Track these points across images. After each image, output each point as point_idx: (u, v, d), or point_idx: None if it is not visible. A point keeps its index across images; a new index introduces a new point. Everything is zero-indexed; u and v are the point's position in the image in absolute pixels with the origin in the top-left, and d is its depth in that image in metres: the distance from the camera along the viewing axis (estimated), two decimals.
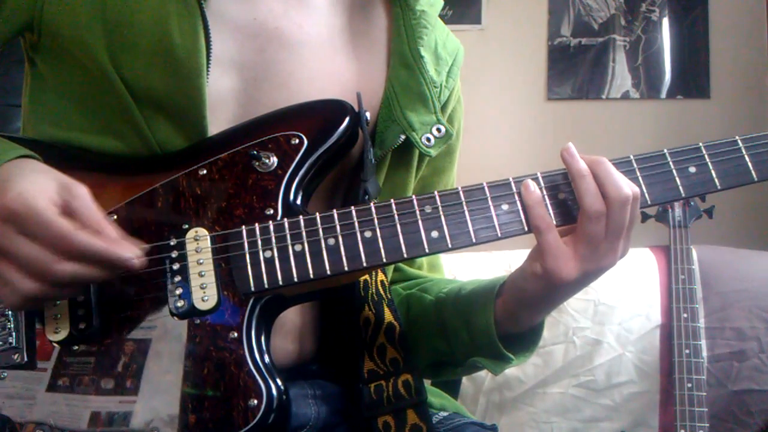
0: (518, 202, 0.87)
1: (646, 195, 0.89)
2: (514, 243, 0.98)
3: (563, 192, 0.88)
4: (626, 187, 0.85)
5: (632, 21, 3.21)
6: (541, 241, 0.86)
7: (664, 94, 3.18)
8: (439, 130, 1.02)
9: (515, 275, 0.93)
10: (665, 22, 3.20)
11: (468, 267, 2.10)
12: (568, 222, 0.87)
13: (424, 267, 1.19)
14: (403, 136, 1.00)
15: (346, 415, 1.02)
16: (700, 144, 0.90)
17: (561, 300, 0.92)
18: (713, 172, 0.88)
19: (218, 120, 0.94)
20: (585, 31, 3.24)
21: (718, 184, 0.89)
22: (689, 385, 1.91)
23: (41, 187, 0.78)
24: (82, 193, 0.79)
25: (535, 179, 0.88)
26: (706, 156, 0.89)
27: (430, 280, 1.15)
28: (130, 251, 0.78)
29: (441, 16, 1.13)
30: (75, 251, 0.76)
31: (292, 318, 0.99)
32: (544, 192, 0.87)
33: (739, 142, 0.89)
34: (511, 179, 0.89)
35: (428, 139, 1.02)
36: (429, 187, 1.11)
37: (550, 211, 0.87)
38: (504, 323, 0.95)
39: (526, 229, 0.87)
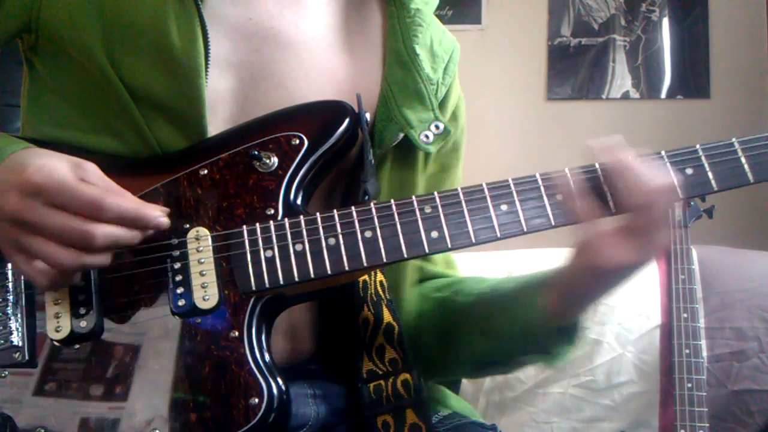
0: (517, 203, 0.88)
1: None
2: (514, 243, 0.98)
3: (599, 185, 0.88)
4: (664, 175, 0.86)
5: (632, 21, 3.21)
6: (587, 232, 0.87)
7: (664, 94, 3.18)
8: (437, 126, 1.02)
9: (563, 270, 0.93)
10: (665, 22, 3.20)
11: (468, 267, 2.10)
12: (598, 216, 0.87)
13: (440, 265, 1.19)
14: (401, 134, 1.00)
15: (346, 415, 1.02)
16: (697, 146, 0.90)
17: (611, 289, 0.92)
18: (710, 174, 0.89)
19: (217, 120, 0.95)
20: (585, 31, 3.24)
21: (714, 185, 0.89)
22: (689, 385, 1.91)
23: (56, 162, 0.80)
24: (93, 168, 0.81)
25: (564, 175, 0.88)
26: (702, 158, 0.89)
27: (459, 280, 1.14)
28: (158, 209, 0.82)
29: (441, 16, 1.13)
30: (108, 213, 0.77)
31: (291, 317, 1.00)
32: (580, 185, 0.88)
33: (736, 144, 0.89)
34: (510, 180, 0.89)
35: (426, 137, 1.02)
36: (438, 184, 1.11)
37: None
38: (551, 318, 0.94)
39: (524, 229, 0.87)
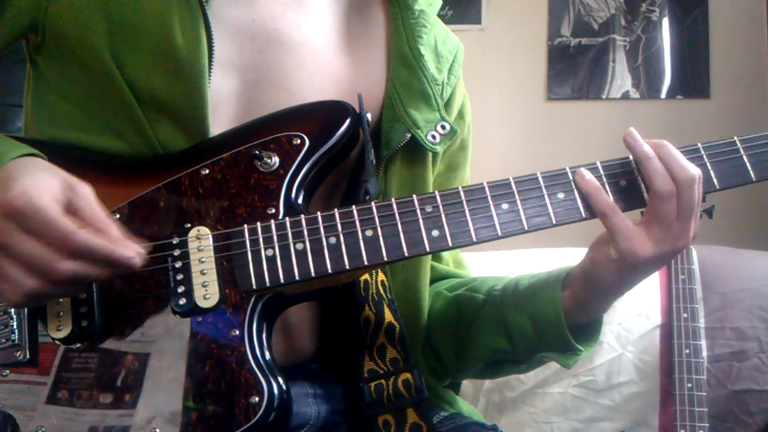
0: (518, 201, 0.88)
1: (646, 195, 0.89)
2: (514, 243, 0.98)
3: (621, 179, 0.89)
4: (691, 167, 0.87)
5: (632, 21, 3.21)
6: (610, 225, 0.87)
7: (664, 94, 3.18)
8: (443, 127, 1.03)
9: (585, 265, 0.94)
10: (665, 22, 3.20)
11: (469, 267, 2.10)
12: (627, 209, 0.88)
13: (450, 264, 1.19)
14: (408, 135, 1.01)
15: (347, 415, 1.03)
16: (699, 144, 0.91)
17: (635, 282, 0.93)
18: (712, 172, 0.89)
19: (219, 120, 0.95)
20: (585, 31, 3.24)
21: (716, 183, 0.89)
22: (689, 385, 1.91)
23: (45, 184, 0.79)
24: (85, 192, 0.80)
25: (593, 168, 0.90)
26: (704, 156, 0.90)
27: (474, 279, 1.14)
28: (132, 250, 0.79)
29: (441, 16, 1.13)
30: (76, 250, 0.76)
31: (292, 317, 1.00)
32: (604, 180, 0.89)
33: (738, 142, 0.90)
34: (511, 179, 0.89)
35: (433, 137, 1.02)
36: (446, 184, 1.11)
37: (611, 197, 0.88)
38: (572, 314, 0.95)
39: (525, 228, 0.88)
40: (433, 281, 1.14)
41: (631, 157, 0.90)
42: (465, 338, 1.04)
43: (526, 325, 0.98)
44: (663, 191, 0.86)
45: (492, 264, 2.16)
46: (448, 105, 1.09)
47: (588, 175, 0.89)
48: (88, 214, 0.79)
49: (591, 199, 0.88)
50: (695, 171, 0.86)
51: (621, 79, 3.20)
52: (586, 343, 0.98)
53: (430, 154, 1.06)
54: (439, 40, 1.09)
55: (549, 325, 0.96)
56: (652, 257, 0.87)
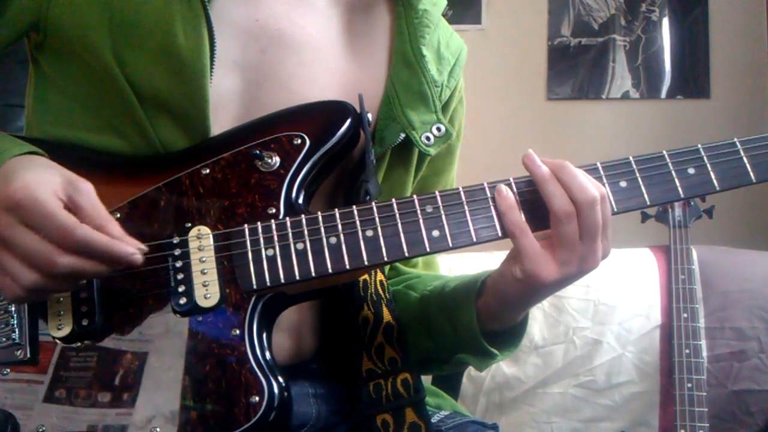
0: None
1: (645, 196, 0.89)
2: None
3: (536, 196, 0.88)
4: (592, 187, 0.85)
5: (632, 21, 3.22)
6: (517, 246, 0.86)
7: (664, 94, 3.19)
8: (439, 129, 1.03)
9: (495, 278, 0.94)
10: (665, 22, 3.20)
11: (468, 267, 2.10)
12: (543, 227, 0.87)
13: (419, 264, 1.19)
14: (402, 135, 1.01)
15: (347, 414, 1.03)
16: (699, 146, 0.90)
17: (541, 299, 0.93)
18: (712, 174, 0.89)
19: (221, 120, 0.95)
20: (585, 31, 3.24)
21: (716, 185, 0.89)
22: (689, 385, 1.91)
23: (46, 180, 0.79)
24: (86, 189, 0.80)
25: (509, 185, 0.89)
26: (704, 157, 0.90)
27: (417, 276, 1.15)
28: (133, 246, 0.79)
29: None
30: (75, 245, 0.77)
31: (291, 316, 1.00)
32: (517, 198, 0.88)
33: (738, 143, 0.90)
34: (511, 179, 0.89)
35: (428, 138, 1.02)
36: (428, 187, 1.11)
37: (523, 217, 0.87)
38: (487, 321, 0.95)
39: None
40: (390, 278, 1.14)
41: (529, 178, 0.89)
42: (402, 334, 1.04)
43: (446, 328, 0.99)
44: (561, 213, 0.84)
45: (492, 264, 2.16)
46: (445, 108, 1.09)
47: (505, 191, 0.87)
48: (88, 211, 0.79)
49: (503, 218, 0.87)
50: (595, 192, 0.85)
51: (621, 79, 3.20)
52: (505, 348, 0.98)
53: (416, 156, 1.06)
54: (443, 42, 1.09)
55: (464, 330, 0.96)
56: (556, 281, 0.86)
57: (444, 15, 1.13)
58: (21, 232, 0.77)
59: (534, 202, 0.87)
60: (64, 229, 0.76)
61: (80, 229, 0.77)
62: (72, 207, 0.79)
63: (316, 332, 1.05)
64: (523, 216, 0.87)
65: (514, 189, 0.88)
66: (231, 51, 0.96)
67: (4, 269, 0.78)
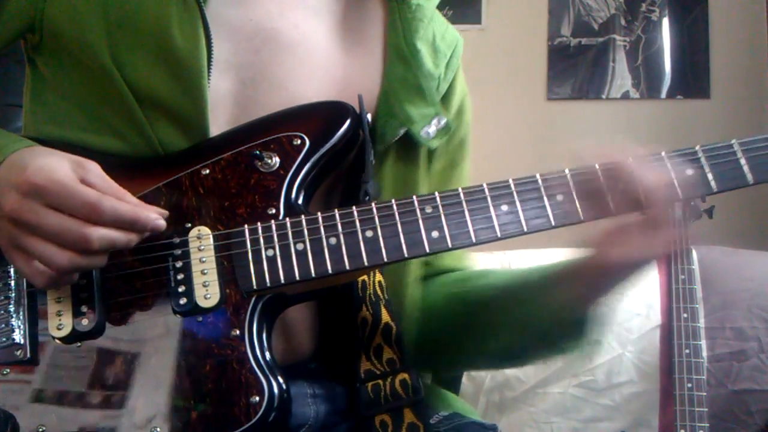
0: (517, 203, 0.88)
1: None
2: (514, 243, 0.98)
3: (598, 185, 0.87)
4: (663, 174, 0.86)
5: (632, 21, 3.22)
6: (594, 229, 0.87)
7: (664, 94, 3.19)
8: (439, 121, 1.03)
9: (572, 264, 0.93)
10: (665, 22, 3.20)
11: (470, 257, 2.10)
12: (605, 215, 0.87)
13: (449, 257, 1.16)
14: (402, 130, 1.01)
15: (346, 415, 1.03)
16: (697, 147, 0.90)
17: (620, 283, 0.92)
18: (709, 175, 0.89)
19: (218, 120, 0.95)
20: (585, 31, 3.24)
21: (714, 186, 0.89)
22: (689, 385, 1.91)
23: (56, 162, 0.80)
24: (94, 167, 0.82)
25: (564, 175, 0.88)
26: (702, 159, 0.90)
27: (476, 274, 1.13)
28: (156, 212, 0.82)
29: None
30: (105, 215, 0.78)
31: (291, 317, 1.00)
32: (574, 188, 0.88)
33: (736, 145, 0.90)
34: (510, 180, 0.89)
35: (428, 132, 1.02)
36: (447, 180, 1.10)
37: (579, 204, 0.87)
38: (564, 310, 0.94)
39: (525, 229, 0.88)
40: (429, 276, 1.13)
41: (597, 166, 0.88)
42: (465, 334, 1.03)
43: (533, 320, 0.97)
44: (634, 201, 0.86)
45: (492, 264, 2.17)
46: (446, 100, 1.08)
47: (569, 181, 0.87)
48: (102, 186, 0.80)
49: (570, 206, 0.86)
50: (665, 178, 0.86)
51: (621, 79, 3.20)
52: (577, 339, 0.98)
53: (424, 152, 1.05)
54: (438, 35, 1.09)
55: (563, 315, 0.95)
56: (631, 263, 0.88)
57: (444, 15, 1.13)
58: (47, 213, 0.77)
59: (592, 191, 0.87)
60: (91, 203, 0.77)
61: (106, 200, 0.78)
62: (86, 185, 0.80)
63: (315, 332, 1.05)
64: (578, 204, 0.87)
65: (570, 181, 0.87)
66: (226, 51, 0.96)
67: (33, 255, 0.79)
